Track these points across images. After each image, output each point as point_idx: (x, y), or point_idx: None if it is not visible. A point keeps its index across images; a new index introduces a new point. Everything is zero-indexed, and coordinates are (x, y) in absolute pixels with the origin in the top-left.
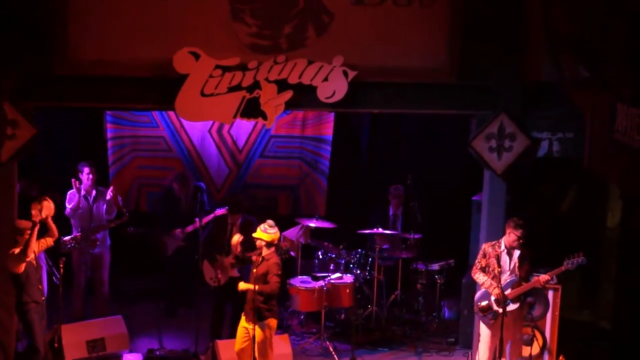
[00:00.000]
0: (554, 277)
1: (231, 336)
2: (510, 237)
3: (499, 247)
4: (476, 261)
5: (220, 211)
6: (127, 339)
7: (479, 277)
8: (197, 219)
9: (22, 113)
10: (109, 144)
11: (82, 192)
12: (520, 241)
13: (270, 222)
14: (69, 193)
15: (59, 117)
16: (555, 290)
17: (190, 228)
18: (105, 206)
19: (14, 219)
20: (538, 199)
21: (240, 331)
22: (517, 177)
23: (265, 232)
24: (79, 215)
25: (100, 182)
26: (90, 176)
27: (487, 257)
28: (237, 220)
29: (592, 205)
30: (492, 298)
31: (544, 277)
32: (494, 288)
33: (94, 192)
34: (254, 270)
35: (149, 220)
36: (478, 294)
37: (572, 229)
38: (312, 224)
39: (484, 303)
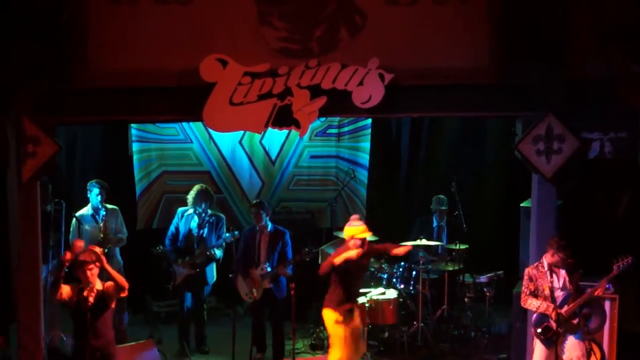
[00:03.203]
0: (610, 286)
1: (272, 358)
2: (554, 257)
3: (542, 267)
4: (523, 288)
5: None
6: None
7: (532, 303)
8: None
9: (43, 129)
10: (135, 158)
11: (90, 212)
12: (569, 261)
13: (354, 216)
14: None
15: (82, 131)
16: (612, 300)
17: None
18: (115, 225)
19: (38, 241)
20: (590, 204)
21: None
22: (568, 181)
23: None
24: (89, 235)
25: (127, 198)
26: (99, 197)
27: (534, 279)
28: (265, 228)
29: None
30: (551, 320)
31: (599, 289)
32: (552, 310)
33: (102, 211)
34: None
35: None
36: (535, 318)
37: (627, 235)
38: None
39: (542, 325)
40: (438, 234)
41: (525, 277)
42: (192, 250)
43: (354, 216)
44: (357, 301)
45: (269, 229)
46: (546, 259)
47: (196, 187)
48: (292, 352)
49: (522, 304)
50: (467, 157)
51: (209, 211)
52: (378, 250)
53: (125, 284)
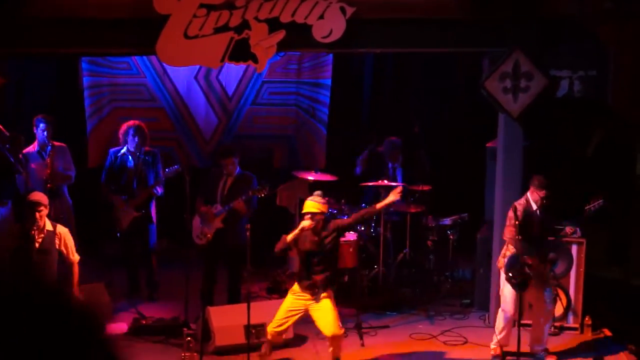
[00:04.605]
0: (577, 229)
1: (227, 301)
2: (532, 195)
3: (530, 205)
4: (507, 223)
5: (170, 172)
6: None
7: (516, 243)
8: (155, 190)
9: None
10: (86, 93)
11: (37, 148)
12: (544, 202)
13: (318, 192)
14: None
15: (32, 65)
16: (579, 244)
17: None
18: (62, 162)
19: None
20: (558, 144)
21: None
22: (535, 120)
23: (308, 202)
24: (35, 173)
25: (78, 135)
26: (45, 133)
27: (519, 216)
28: (233, 171)
29: (619, 150)
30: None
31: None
32: (530, 253)
33: (48, 148)
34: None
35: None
36: (508, 261)
37: (596, 178)
38: (310, 177)
39: (516, 269)
40: (393, 174)
41: (511, 212)
42: (132, 191)
43: (316, 192)
44: (322, 282)
45: (235, 172)
46: (531, 197)
47: (128, 124)
48: (247, 295)
49: (505, 237)
50: (432, 96)
51: (143, 149)
52: (343, 226)
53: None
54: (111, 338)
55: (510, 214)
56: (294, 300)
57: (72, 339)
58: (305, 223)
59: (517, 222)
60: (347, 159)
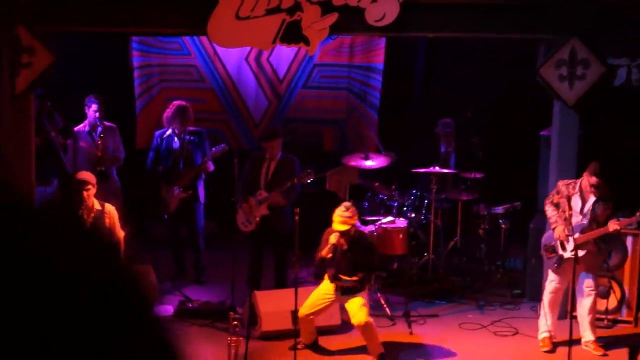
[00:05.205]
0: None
1: (274, 286)
2: (583, 181)
3: (574, 188)
4: (549, 194)
5: (217, 150)
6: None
7: (549, 210)
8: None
9: (39, 38)
10: (135, 73)
11: (87, 128)
12: (593, 189)
13: (346, 204)
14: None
15: (79, 43)
16: (635, 236)
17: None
18: (112, 144)
19: (32, 156)
20: (615, 135)
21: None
22: (591, 109)
23: (344, 218)
24: (85, 153)
25: (127, 115)
26: (97, 114)
27: (560, 195)
28: (276, 155)
29: None
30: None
31: (613, 226)
32: (558, 227)
33: (99, 128)
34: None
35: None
36: (546, 234)
37: None
38: (361, 163)
39: (549, 243)
40: (445, 160)
41: (555, 188)
42: (179, 172)
43: (345, 203)
44: (351, 287)
45: (278, 156)
46: (581, 182)
47: (171, 106)
48: (294, 281)
49: (544, 205)
50: (487, 81)
51: (188, 129)
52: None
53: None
54: (165, 319)
55: (553, 190)
56: (328, 287)
57: (127, 314)
58: (333, 239)
59: (553, 197)
60: (399, 144)
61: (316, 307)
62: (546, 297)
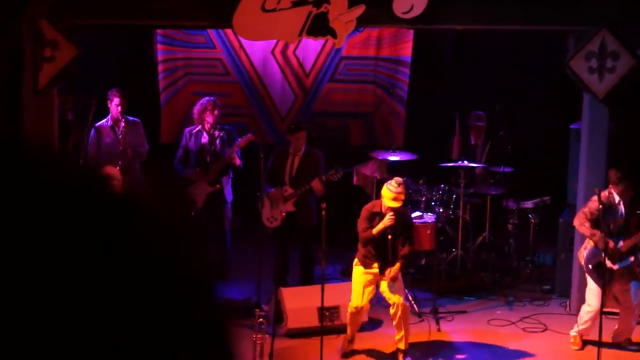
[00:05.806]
0: None
1: (300, 283)
2: (614, 189)
3: (613, 197)
4: (586, 209)
5: (243, 140)
6: None
7: (584, 226)
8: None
9: (62, 32)
10: (160, 67)
11: (110, 123)
12: (625, 195)
13: (398, 179)
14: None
15: (102, 36)
16: None
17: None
18: (135, 138)
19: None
20: None
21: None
22: (621, 101)
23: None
24: (107, 148)
25: (151, 109)
26: (120, 108)
27: (592, 214)
28: (300, 148)
29: None
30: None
31: None
32: (600, 237)
33: (122, 123)
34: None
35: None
36: (587, 253)
37: None
38: (388, 157)
39: (596, 261)
40: (475, 153)
41: (594, 199)
42: (207, 167)
43: (397, 178)
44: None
45: (302, 150)
46: (614, 190)
47: (202, 103)
48: (321, 277)
49: (574, 222)
50: (515, 74)
51: (218, 125)
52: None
53: None
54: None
55: (591, 204)
56: (364, 273)
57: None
58: (389, 221)
59: (597, 211)
60: (427, 138)
61: (364, 293)
62: (583, 323)
